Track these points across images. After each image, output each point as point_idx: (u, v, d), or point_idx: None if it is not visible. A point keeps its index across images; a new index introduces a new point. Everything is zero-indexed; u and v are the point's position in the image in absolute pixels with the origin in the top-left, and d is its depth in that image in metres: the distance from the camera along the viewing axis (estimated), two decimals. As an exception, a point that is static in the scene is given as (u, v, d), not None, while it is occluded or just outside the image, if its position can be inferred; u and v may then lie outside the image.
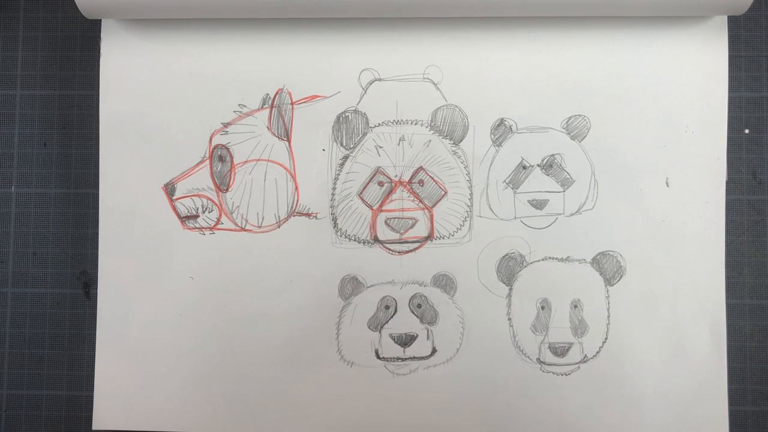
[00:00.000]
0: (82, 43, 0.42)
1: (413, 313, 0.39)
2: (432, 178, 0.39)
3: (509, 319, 0.39)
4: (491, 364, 0.39)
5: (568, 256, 0.39)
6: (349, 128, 0.39)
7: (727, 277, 0.39)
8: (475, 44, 0.39)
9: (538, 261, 0.39)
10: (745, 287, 0.40)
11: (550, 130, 0.39)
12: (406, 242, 0.39)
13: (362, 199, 0.39)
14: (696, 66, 0.39)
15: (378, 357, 0.39)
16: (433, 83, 0.39)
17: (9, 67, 0.42)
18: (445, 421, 0.39)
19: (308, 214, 0.40)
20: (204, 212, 0.40)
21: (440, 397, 0.39)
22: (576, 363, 0.39)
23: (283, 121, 0.40)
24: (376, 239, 0.39)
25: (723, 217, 0.39)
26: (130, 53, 0.40)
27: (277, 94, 0.40)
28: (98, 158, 0.40)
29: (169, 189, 0.40)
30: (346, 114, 0.39)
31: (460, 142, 0.39)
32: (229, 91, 0.40)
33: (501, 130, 0.39)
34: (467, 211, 0.39)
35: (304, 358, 0.39)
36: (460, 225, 0.39)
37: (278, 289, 0.39)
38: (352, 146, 0.40)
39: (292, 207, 0.40)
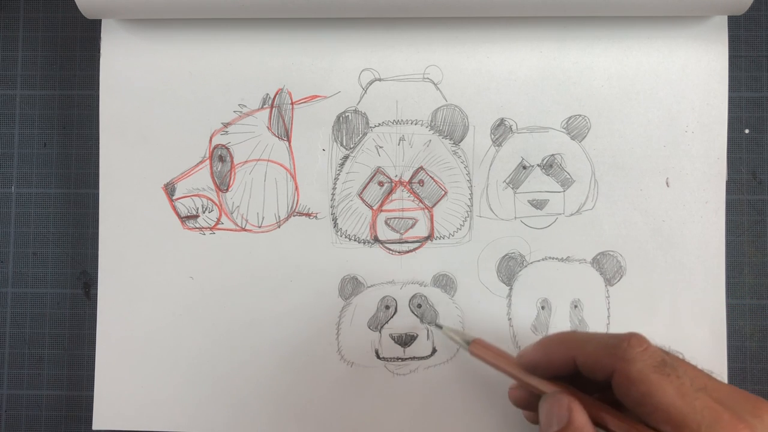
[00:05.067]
0: (82, 43, 0.42)
1: (413, 313, 0.39)
2: (432, 178, 0.39)
3: (509, 319, 0.39)
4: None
5: (568, 256, 0.39)
6: (349, 128, 0.39)
7: (727, 277, 0.39)
8: (475, 44, 0.39)
9: (538, 261, 0.39)
10: (745, 287, 0.40)
11: (550, 130, 0.39)
12: (406, 242, 0.39)
13: (362, 199, 0.39)
14: (696, 66, 0.39)
15: (378, 357, 0.39)
16: (433, 83, 0.39)
17: (9, 67, 0.42)
18: (445, 421, 0.39)
19: (308, 214, 0.40)
20: (204, 212, 0.40)
21: (440, 397, 0.39)
22: (576, 363, 0.39)
23: (283, 121, 0.40)
24: (376, 239, 0.39)
25: (723, 217, 0.39)
26: (130, 53, 0.40)
27: (277, 94, 0.40)
28: (98, 158, 0.40)
29: (169, 189, 0.40)
30: (346, 114, 0.39)
31: (460, 142, 0.39)
32: (229, 91, 0.40)
33: (501, 130, 0.39)
34: (467, 211, 0.39)
35: (304, 358, 0.39)
36: (460, 225, 0.39)
37: (278, 289, 0.39)
38: (352, 146, 0.40)
39: (292, 207, 0.40)
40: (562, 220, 0.39)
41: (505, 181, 0.39)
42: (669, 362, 0.26)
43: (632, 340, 0.27)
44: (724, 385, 0.27)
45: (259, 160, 0.40)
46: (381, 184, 0.39)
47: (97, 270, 0.40)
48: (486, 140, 0.39)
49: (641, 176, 0.39)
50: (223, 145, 0.40)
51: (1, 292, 0.41)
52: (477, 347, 0.34)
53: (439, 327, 0.38)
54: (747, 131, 0.41)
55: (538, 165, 0.39)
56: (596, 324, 0.39)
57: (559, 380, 0.30)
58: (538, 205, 0.39)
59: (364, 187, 0.39)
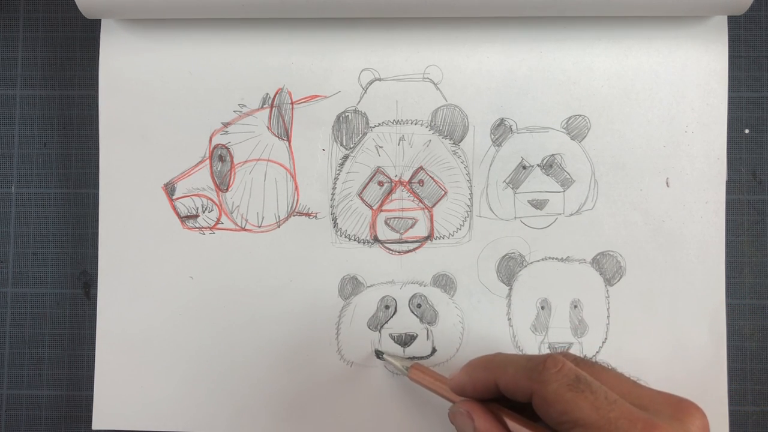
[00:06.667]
0: (82, 43, 0.42)
1: (413, 313, 0.39)
2: (432, 178, 0.39)
3: (509, 319, 0.39)
4: (491, 364, 0.39)
5: (568, 256, 0.39)
6: (349, 128, 0.39)
7: (727, 277, 0.39)
8: (475, 44, 0.39)
9: (538, 261, 0.39)
10: (745, 287, 0.40)
11: (550, 130, 0.39)
12: (406, 242, 0.39)
13: (362, 198, 0.39)
14: (696, 66, 0.39)
15: (378, 357, 0.39)
16: (433, 83, 0.39)
17: (9, 67, 0.42)
18: (445, 420, 0.39)
19: (308, 214, 0.40)
20: (204, 212, 0.40)
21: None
22: (576, 363, 0.39)
23: (283, 120, 0.40)
24: (376, 239, 0.39)
25: (723, 217, 0.39)
26: (130, 53, 0.40)
27: (277, 94, 0.40)
28: (98, 158, 0.40)
29: (169, 189, 0.40)
30: (346, 114, 0.39)
31: (460, 142, 0.39)
32: (229, 91, 0.40)
33: (501, 130, 0.39)
34: (467, 211, 0.39)
35: (304, 358, 0.39)
36: (460, 225, 0.39)
37: (278, 289, 0.39)
38: (352, 146, 0.40)
39: (292, 207, 0.40)
40: (562, 220, 0.39)
41: (505, 181, 0.39)
42: (583, 378, 0.27)
43: (548, 361, 0.28)
44: (648, 391, 0.28)
45: (259, 159, 0.40)
46: (381, 184, 0.39)
47: (97, 270, 0.40)
48: (486, 140, 0.39)
49: (641, 176, 0.39)
50: (223, 145, 0.40)
51: (1, 292, 0.41)
52: (415, 372, 0.36)
53: (380, 354, 0.39)
54: (747, 131, 0.41)
55: (538, 165, 0.39)
56: (596, 324, 0.39)
57: (493, 401, 0.31)
58: (538, 205, 0.39)
59: (364, 187, 0.39)
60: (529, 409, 0.29)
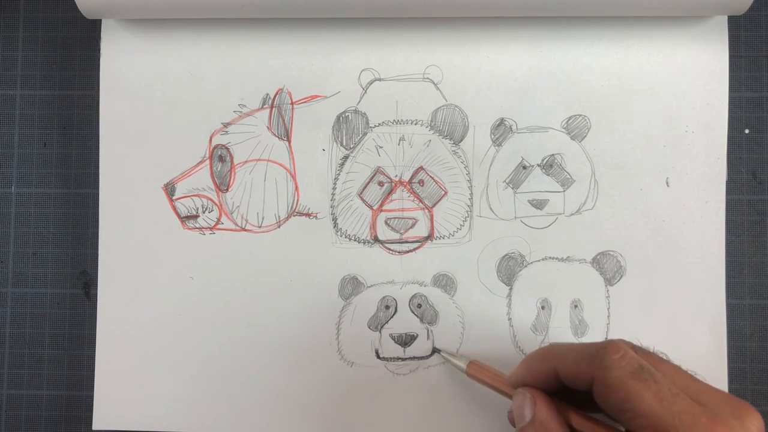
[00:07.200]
0: (82, 43, 0.42)
1: (413, 313, 0.39)
2: (432, 178, 0.39)
3: (509, 319, 0.39)
4: (491, 364, 0.39)
5: (568, 256, 0.39)
6: (349, 128, 0.39)
7: (727, 277, 0.39)
8: (475, 44, 0.39)
9: (538, 261, 0.39)
10: (745, 287, 0.40)
11: (550, 130, 0.39)
12: (406, 242, 0.39)
13: (362, 199, 0.39)
14: (696, 66, 0.39)
15: (378, 357, 0.39)
16: (433, 83, 0.39)
17: (9, 67, 0.42)
18: (445, 421, 0.39)
19: (308, 214, 0.40)
20: (204, 212, 0.40)
21: (440, 397, 0.39)
22: (576, 363, 0.39)
23: (283, 121, 0.40)
24: (376, 239, 0.39)
25: (723, 217, 0.39)
26: (130, 53, 0.40)
27: (277, 94, 0.40)
28: (98, 158, 0.40)
29: (169, 189, 0.40)
30: (346, 114, 0.39)
31: (460, 142, 0.39)
32: (229, 91, 0.40)
33: (501, 130, 0.39)
34: (467, 211, 0.39)
35: (304, 358, 0.39)
36: (460, 225, 0.39)
37: (278, 289, 0.39)
38: (352, 146, 0.40)
39: (292, 207, 0.40)
40: (562, 220, 0.39)
41: (505, 181, 0.39)
42: (646, 368, 0.26)
43: (609, 347, 0.27)
44: (706, 387, 0.27)
45: (259, 160, 0.40)
46: (381, 184, 0.39)
47: (97, 270, 0.40)
48: (486, 140, 0.39)
49: (641, 176, 0.39)
50: (223, 145, 0.40)
51: (1, 292, 0.41)
52: (474, 369, 0.36)
53: (438, 351, 0.39)
54: (747, 131, 0.41)
55: (538, 165, 0.39)
56: (596, 324, 0.39)
57: (552, 396, 0.30)
58: (538, 205, 0.39)
59: (364, 187, 0.39)
60: (587, 401, 0.28)
